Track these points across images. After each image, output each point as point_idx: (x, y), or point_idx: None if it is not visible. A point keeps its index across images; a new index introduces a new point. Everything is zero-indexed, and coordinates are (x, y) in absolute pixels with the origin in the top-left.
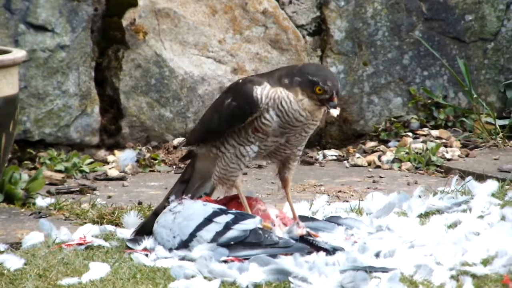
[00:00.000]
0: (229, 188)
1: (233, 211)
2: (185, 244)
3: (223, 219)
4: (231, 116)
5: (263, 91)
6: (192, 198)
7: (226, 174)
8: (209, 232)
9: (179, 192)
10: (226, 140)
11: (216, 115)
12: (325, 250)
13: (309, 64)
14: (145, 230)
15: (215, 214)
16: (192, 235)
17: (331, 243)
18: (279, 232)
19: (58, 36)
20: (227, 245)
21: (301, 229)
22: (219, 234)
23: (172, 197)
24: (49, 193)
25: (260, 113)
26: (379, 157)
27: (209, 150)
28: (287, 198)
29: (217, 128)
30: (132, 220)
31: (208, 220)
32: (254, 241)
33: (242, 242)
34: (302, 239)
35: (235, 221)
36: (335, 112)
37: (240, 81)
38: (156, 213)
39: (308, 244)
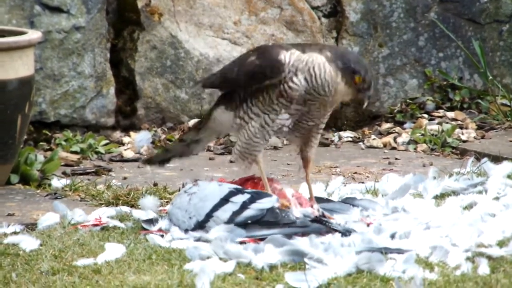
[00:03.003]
0: (250, 164)
1: (250, 190)
2: (201, 225)
3: (240, 198)
4: (251, 74)
5: (291, 57)
6: (204, 138)
7: (249, 148)
8: (225, 212)
9: (192, 137)
10: (250, 109)
11: (236, 68)
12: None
13: (351, 53)
14: (153, 161)
15: (231, 194)
16: (209, 216)
17: (344, 225)
18: (296, 212)
19: (74, 18)
20: (244, 224)
21: (315, 211)
22: (236, 213)
23: (187, 180)
24: (65, 174)
25: (284, 77)
26: (394, 139)
27: (233, 121)
28: (306, 178)
29: (235, 81)
30: (149, 202)
31: (225, 200)
32: (272, 220)
33: (259, 221)
34: (316, 220)
35: (252, 200)
36: (366, 102)
37: (270, 44)
38: (167, 150)
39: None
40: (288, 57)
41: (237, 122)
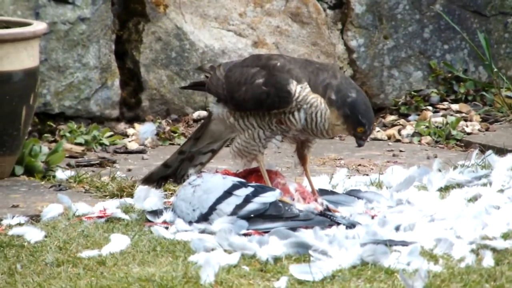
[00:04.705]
0: (249, 162)
1: (253, 184)
2: (205, 217)
3: (243, 192)
4: (258, 101)
5: (301, 92)
6: (199, 153)
7: (248, 147)
8: (229, 205)
9: (188, 148)
10: (247, 117)
11: (243, 88)
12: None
13: (360, 98)
14: (152, 179)
15: (235, 187)
16: (212, 208)
17: (349, 219)
18: (299, 206)
19: (79, 9)
20: (247, 218)
21: (318, 206)
22: (239, 207)
23: (191, 171)
24: (69, 165)
25: (289, 109)
26: (399, 131)
27: (227, 116)
28: (306, 175)
29: (241, 102)
30: (153, 193)
31: (228, 193)
32: (275, 213)
33: (262, 215)
34: (320, 214)
35: (255, 194)
36: (361, 146)
37: (278, 64)
38: (166, 165)
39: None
40: (298, 91)
41: (231, 120)
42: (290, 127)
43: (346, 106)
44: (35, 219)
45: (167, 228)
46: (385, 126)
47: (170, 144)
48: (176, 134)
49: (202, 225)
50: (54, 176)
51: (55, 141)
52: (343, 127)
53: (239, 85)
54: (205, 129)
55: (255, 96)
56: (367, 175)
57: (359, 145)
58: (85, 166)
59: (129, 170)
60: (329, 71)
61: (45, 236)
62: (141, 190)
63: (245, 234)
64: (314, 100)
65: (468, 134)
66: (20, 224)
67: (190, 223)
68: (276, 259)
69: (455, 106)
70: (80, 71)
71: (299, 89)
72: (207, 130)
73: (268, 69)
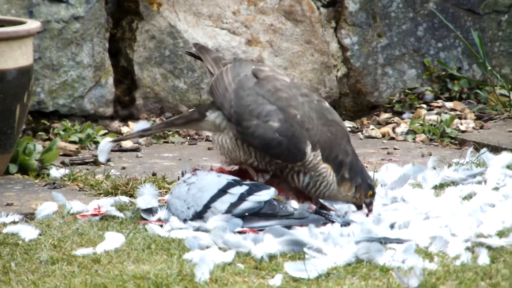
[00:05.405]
0: (227, 163)
1: (248, 182)
2: (199, 215)
3: (238, 190)
4: (266, 144)
5: (313, 160)
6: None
7: (231, 154)
8: (223, 203)
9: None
10: (248, 145)
11: (254, 122)
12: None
13: (363, 164)
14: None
15: (230, 185)
16: (207, 206)
17: (343, 217)
18: (294, 204)
19: (73, 7)
20: (241, 216)
21: (312, 205)
22: (234, 205)
23: (186, 169)
24: (63, 164)
25: (293, 167)
26: (393, 129)
27: (227, 127)
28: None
29: (248, 134)
30: (148, 191)
31: (223, 191)
32: (269, 212)
33: (257, 213)
34: (315, 212)
35: (250, 192)
36: (371, 212)
37: (298, 116)
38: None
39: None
40: (311, 158)
41: (230, 135)
42: (287, 179)
43: (358, 175)
44: (29, 217)
45: (161, 226)
46: (379, 124)
47: (165, 142)
48: (171, 132)
49: (196, 223)
50: (48, 174)
51: (49, 139)
52: (354, 195)
53: (251, 114)
54: (194, 126)
55: (265, 139)
56: None
57: (370, 211)
58: (79, 164)
59: (124, 168)
60: (341, 145)
61: (40, 234)
62: (105, 143)
63: (240, 232)
64: (324, 171)
65: (463, 132)
66: (14, 222)
67: (184, 221)
68: (271, 257)
69: (449, 104)
70: (74, 69)
71: (312, 156)
72: (195, 126)
73: (287, 116)
